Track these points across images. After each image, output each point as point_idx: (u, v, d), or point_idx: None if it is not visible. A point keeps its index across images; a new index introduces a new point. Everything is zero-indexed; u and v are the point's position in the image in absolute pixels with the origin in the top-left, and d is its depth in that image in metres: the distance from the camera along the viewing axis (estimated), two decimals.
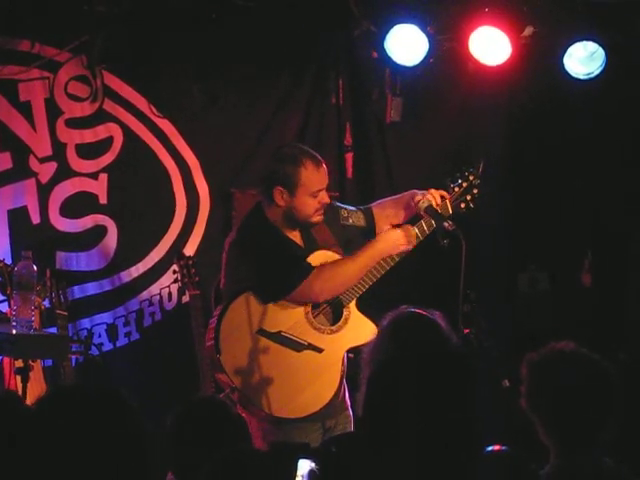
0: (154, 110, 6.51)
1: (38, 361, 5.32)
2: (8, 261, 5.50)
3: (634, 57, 6.37)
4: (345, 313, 4.93)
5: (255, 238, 4.88)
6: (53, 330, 5.52)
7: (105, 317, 6.41)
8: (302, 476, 2.89)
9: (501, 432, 3.37)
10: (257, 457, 3.07)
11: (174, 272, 6.14)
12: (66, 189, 6.36)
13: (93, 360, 5.65)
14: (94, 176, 6.43)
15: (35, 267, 4.58)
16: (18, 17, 6.09)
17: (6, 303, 5.42)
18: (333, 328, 4.92)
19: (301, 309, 4.88)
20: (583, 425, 3.25)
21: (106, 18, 6.14)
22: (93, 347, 5.89)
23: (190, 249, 6.49)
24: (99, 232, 6.42)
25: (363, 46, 6.67)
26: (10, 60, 6.20)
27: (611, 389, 3.27)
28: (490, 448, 3.07)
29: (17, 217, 6.24)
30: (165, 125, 6.55)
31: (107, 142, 6.45)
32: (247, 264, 4.83)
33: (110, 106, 6.44)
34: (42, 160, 6.32)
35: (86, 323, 6.35)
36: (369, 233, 5.08)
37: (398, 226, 5.03)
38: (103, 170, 6.43)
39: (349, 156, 6.91)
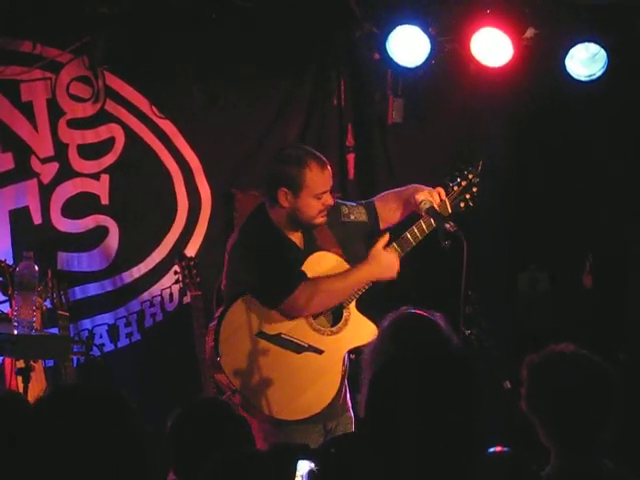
0: (155, 111, 6.51)
1: (39, 362, 5.32)
2: (10, 261, 5.50)
3: (636, 59, 6.37)
4: (345, 314, 4.92)
5: (257, 241, 4.86)
6: (54, 331, 5.52)
7: (106, 318, 6.42)
8: (302, 476, 2.89)
9: (502, 433, 3.37)
10: (257, 458, 3.07)
11: (175, 273, 6.13)
12: (68, 190, 6.37)
13: (94, 361, 5.63)
14: (96, 177, 6.43)
15: (36, 267, 4.58)
16: (20, 18, 6.10)
17: (7, 304, 5.42)
18: (333, 329, 4.90)
19: None
20: (583, 426, 3.25)
21: (107, 19, 6.15)
22: (94, 348, 5.86)
23: (191, 250, 6.49)
24: (100, 233, 6.42)
25: (364, 47, 6.67)
26: (12, 61, 6.21)
27: (611, 390, 3.27)
28: (492, 449, 3.07)
29: (19, 217, 6.25)
30: (167, 126, 6.55)
31: (109, 143, 6.46)
32: (248, 267, 4.81)
33: (112, 107, 6.44)
34: (44, 160, 6.32)
35: (87, 324, 6.35)
36: (372, 227, 5.05)
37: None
38: (105, 171, 6.44)
39: (351, 157, 6.91)
